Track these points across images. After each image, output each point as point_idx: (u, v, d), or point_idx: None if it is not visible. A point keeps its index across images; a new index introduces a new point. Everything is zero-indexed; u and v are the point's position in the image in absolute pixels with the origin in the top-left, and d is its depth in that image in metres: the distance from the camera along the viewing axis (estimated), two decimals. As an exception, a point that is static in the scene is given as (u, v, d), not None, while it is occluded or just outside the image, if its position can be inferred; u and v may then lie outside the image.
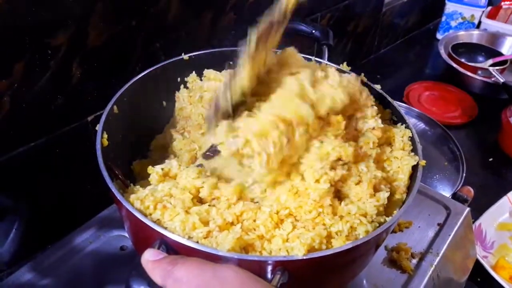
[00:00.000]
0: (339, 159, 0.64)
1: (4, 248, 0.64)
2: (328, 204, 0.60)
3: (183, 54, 0.82)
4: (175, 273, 0.48)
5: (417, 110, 1.51)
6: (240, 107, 0.63)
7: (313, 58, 0.87)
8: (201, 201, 0.61)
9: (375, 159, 0.68)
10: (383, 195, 0.63)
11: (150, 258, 0.51)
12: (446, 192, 1.22)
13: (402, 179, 0.69)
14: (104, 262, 0.79)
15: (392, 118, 0.79)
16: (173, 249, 0.53)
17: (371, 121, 0.70)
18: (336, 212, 0.61)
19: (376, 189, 0.65)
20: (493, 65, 1.73)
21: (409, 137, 0.73)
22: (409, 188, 0.68)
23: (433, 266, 0.83)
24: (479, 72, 1.71)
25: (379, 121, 0.71)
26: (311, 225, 0.58)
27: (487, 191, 1.27)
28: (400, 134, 0.73)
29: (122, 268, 0.77)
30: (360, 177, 0.65)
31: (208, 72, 0.83)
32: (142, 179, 0.69)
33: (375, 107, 0.73)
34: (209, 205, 0.60)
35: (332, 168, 0.63)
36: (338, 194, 0.65)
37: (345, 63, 0.85)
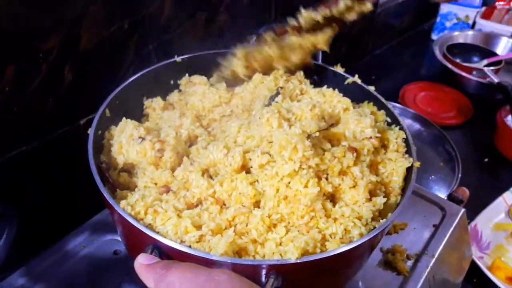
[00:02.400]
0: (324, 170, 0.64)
1: (-5, 253, 0.63)
2: (320, 208, 0.59)
3: (176, 56, 0.82)
4: (168, 277, 0.47)
5: (412, 111, 1.51)
6: None
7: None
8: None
9: (368, 163, 0.68)
10: (380, 200, 0.63)
11: (143, 262, 0.50)
12: (441, 193, 1.22)
13: (396, 181, 0.68)
14: (98, 267, 0.79)
15: (386, 119, 0.79)
16: (166, 254, 0.53)
17: (368, 130, 0.69)
18: (330, 215, 0.61)
19: (371, 194, 0.64)
20: (488, 65, 1.73)
21: (403, 138, 0.73)
22: (403, 190, 0.68)
23: (429, 267, 0.82)
24: (474, 72, 1.71)
25: (376, 130, 0.70)
26: (305, 229, 0.58)
27: (483, 192, 1.27)
28: (394, 136, 0.72)
29: (116, 273, 0.77)
30: (355, 181, 0.64)
31: (194, 77, 0.83)
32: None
33: (373, 116, 0.73)
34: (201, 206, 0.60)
35: (318, 177, 0.62)
36: (331, 198, 0.64)
37: (339, 65, 0.85)
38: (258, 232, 0.57)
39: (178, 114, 0.77)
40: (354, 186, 0.64)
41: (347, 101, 0.78)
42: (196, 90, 0.80)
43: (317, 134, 0.64)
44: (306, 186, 0.60)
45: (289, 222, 0.59)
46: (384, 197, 0.65)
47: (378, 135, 0.70)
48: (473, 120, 1.58)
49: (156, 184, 0.64)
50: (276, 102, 0.77)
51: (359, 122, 0.70)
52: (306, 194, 0.59)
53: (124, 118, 0.71)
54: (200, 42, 1.05)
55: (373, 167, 0.69)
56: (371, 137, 0.69)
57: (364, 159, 0.67)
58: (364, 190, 0.63)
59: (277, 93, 0.78)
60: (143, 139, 0.66)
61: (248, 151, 0.65)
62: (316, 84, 0.86)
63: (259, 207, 0.61)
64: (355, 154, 0.66)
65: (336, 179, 0.64)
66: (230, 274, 0.47)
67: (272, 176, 0.61)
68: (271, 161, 0.62)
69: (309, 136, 0.63)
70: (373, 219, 0.62)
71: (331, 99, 0.78)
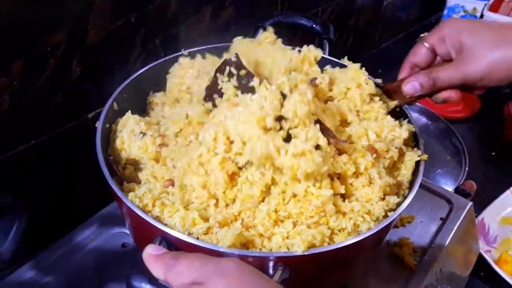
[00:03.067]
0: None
1: (5, 246, 0.63)
2: (331, 208, 0.58)
3: (182, 50, 0.82)
4: (177, 266, 0.48)
5: (419, 104, 1.50)
6: None
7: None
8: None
9: (387, 166, 0.66)
10: (393, 200, 0.62)
11: (152, 252, 0.51)
12: (448, 186, 1.21)
13: (405, 174, 0.68)
14: (106, 259, 0.79)
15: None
16: (174, 246, 0.53)
17: (398, 141, 0.68)
18: (339, 210, 0.60)
19: (385, 193, 0.63)
20: (495, 58, 1.72)
21: (412, 132, 0.72)
22: (411, 184, 0.68)
23: (436, 260, 0.82)
24: (482, 65, 1.70)
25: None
26: (313, 226, 0.58)
27: (490, 185, 1.26)
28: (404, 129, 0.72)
29: (124, 265, 0.77)
30: (371, 181, 0.63)
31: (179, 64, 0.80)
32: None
33: (407, 126, 0.71)
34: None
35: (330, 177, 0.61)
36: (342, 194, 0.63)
37: (346, 58, 0.85)
38: (265, 227, 0.57)
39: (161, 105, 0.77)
40: (368, 185, 0.62)
41: (372, 85, 0.76)
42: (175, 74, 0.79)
43: (328, 150, 0.59)
44: (319, 188, 0.58)
45: (297, 220, 0.59)
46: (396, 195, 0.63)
47: (404, 147, 0.69)
48: (480, 113, 1.57)
49: (156, 178, 0.63)
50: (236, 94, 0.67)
51: (392, 130, 0.69)
52: (319, 196, 0.57)
53: (129, 111, 0.70)
54: (206, 36, 1.05)
55: (389, 168, 0.68)
56: (396, 147, 0.67)
57: (384, 162, 0.66)
58: (379, 189, 0.61)
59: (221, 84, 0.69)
60: (144, 134, 0.66)
61: (228, 155, 0.59)
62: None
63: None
64: (375, 155, 0.64)
65: (350, 179, 0.63)
66: (239, 263, 0.47)
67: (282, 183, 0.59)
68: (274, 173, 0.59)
69: (318, 147, 0.58)
70: (384, 217, 0.61)
71: (358, 78, 0.75)
